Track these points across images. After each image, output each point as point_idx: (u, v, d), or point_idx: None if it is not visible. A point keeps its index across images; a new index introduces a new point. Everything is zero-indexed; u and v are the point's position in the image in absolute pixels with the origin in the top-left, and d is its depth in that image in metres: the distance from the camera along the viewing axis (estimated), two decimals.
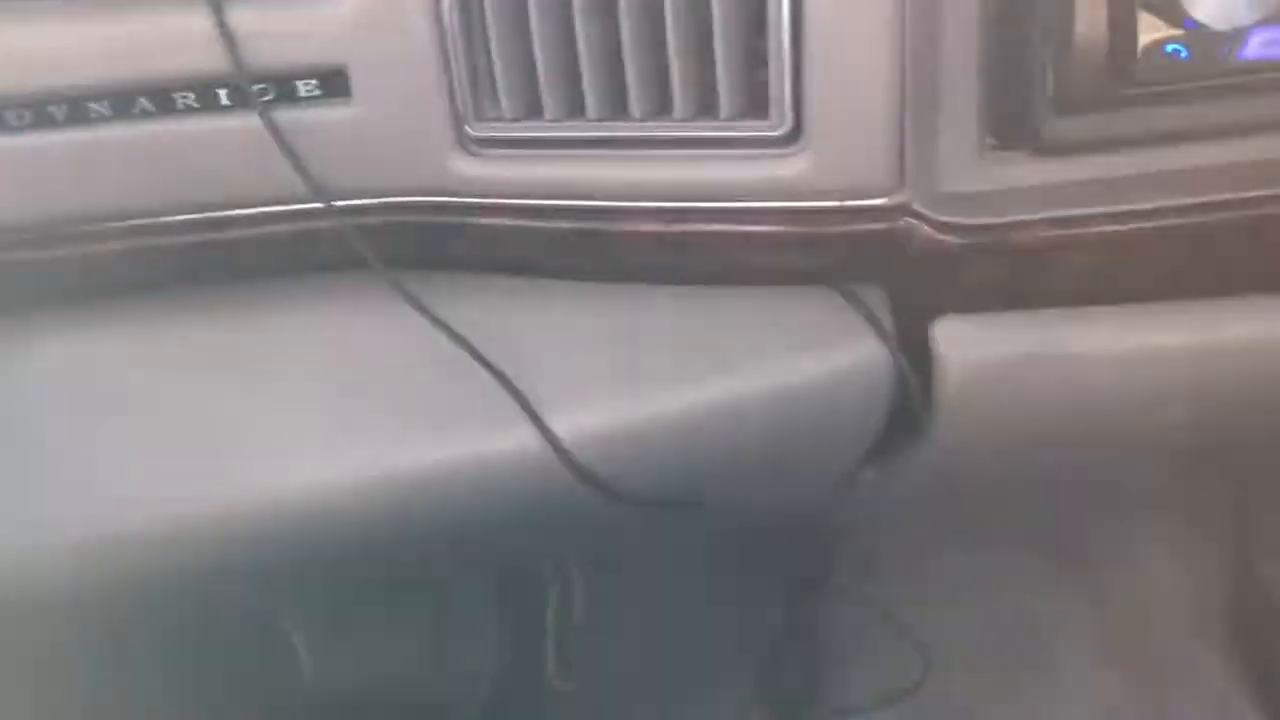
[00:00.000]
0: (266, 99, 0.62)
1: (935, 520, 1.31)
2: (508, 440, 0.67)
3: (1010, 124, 0.62)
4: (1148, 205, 0.62)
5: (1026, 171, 0.62)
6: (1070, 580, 1.45)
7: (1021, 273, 0.64)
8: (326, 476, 0.68)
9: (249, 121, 0.62)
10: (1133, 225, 0.62)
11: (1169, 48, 0.56)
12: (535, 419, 0.66)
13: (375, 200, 0.64)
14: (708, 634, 1.32)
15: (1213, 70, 0.56)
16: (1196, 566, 1.42)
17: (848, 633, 1.34)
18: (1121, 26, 0.57)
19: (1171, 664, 1.38)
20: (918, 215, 0.62)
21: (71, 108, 0.62)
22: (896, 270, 0.64)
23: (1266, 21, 0.55)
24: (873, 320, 0.65)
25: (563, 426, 0.67)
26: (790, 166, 0.60)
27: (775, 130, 0.60)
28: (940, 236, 0.62)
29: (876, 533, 1.33)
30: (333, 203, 0.63)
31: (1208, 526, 1.41)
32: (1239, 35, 0.56)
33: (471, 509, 0.70)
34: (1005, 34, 0.59)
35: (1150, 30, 0.56)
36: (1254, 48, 0.56)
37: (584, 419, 0.67)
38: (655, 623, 1.33)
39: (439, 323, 0.65)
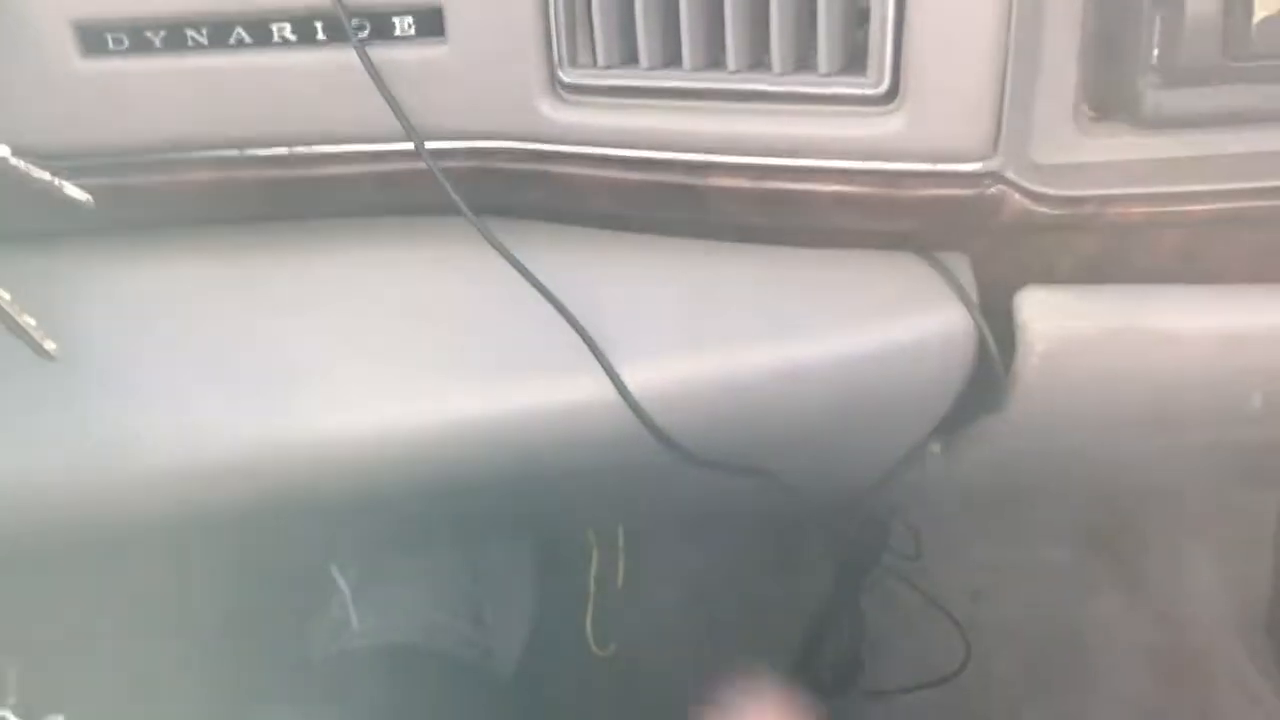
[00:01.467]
0: (363, 35, 0.62)
1: (989, 507, 1.31)
2: (579, 390, 0.67)
3: (1111, 94, 0.61)
4: (1251, 185, 0.61)
5: (1124, 145, 0.61)
6: (1114, 578, 1.44)
7: (1112, 249, 0.63)
8: (397, 418, 0.69)
9: (344, 57, 0.62)
10: (1233, 204, 0.61)
11: None
12: (610, 371, 0.66)
13: (465, 143, 0.64)
14: (751, 606, 1.32)
15: None
16: (1238, 570, 1.41)
17: (892, 614, 1.34)
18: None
19: (1211, 665, 1.37)
20: (1010, 183, 0.61)
21: (170, 33, 0.62)
22: (984, 238, 0.64)
23: None
24: (957, 287, 0.64)
25: (636, 380, 0.66)
26: (885, 126, 0.60)
27: (873, 88, 0.59)
28: (1031, 207, 0.61)
29: (930, 515, 1.33)
30: (423, 144, 0.63)
31: (1251, 530, 1.39)
32: None
33: (539, 457, 0.70)
34: (1111, 4, 0.58)
35: (1268, 3, 0.55)
36: None
37: (657, 374, 0.67)
38: (698, 592, 1.33)
39: (522, 269, 0.65)
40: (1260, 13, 0.56)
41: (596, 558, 1.35)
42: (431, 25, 0.63)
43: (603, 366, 0.65)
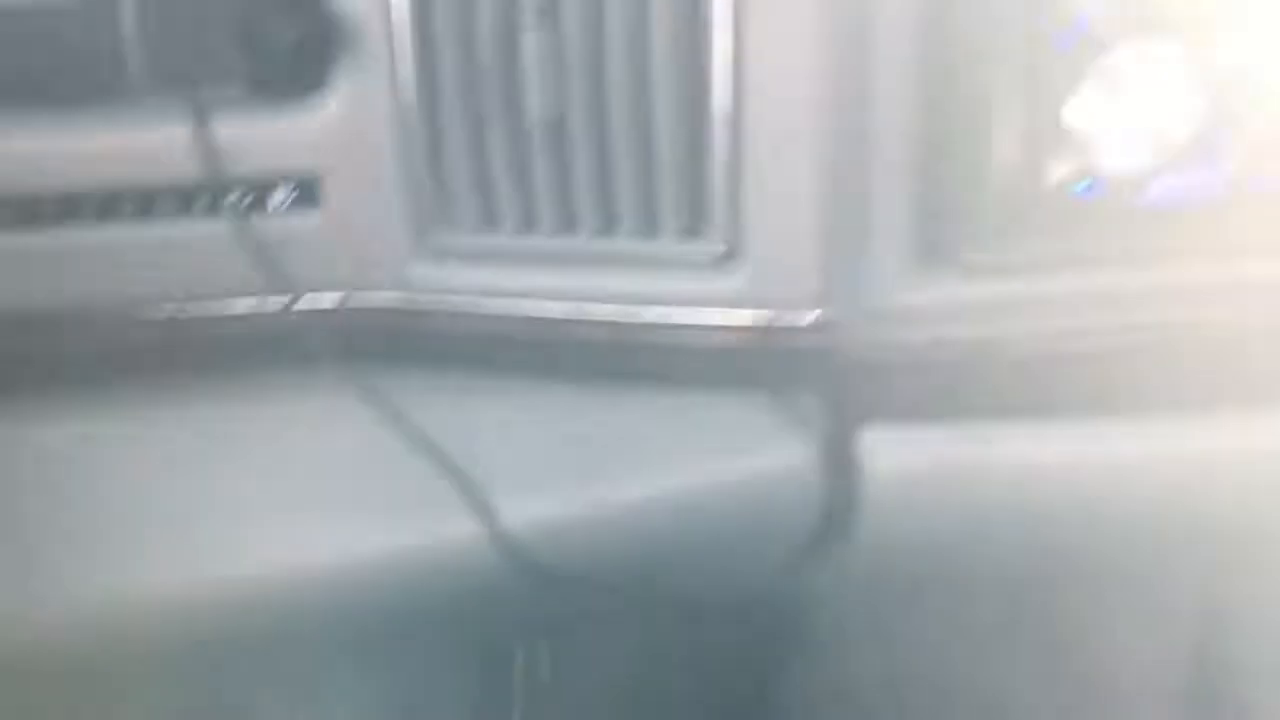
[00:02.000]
0: (243, 203, 0.67)
1: (895, 598, 1.34)
2: (460, 530, 0.70)
3: (935, 247, 0.66)
4: (1066, 324, 0.66)
5: (949, 290, 0.67)
6: (1031, 656, 1.47)
7: (944, 386, 0.68)
8: (288, 559, 0.72)
9: (224, 225, 0.67)
10: (1051, 343, 0.67)
11: (1078, 186, 0.60)
12: (484, 511, 0.69)
13: (340, 302, 0.69)
14: (677, 698, 1.34)
15: (1117, 210, 0.61)
16: (1159, 643, 1.43)
17: (808, 711, 1.35)
18: (1034, 167, 0.61)
19: None
20: (846, 329, 0.66)
21: (61, 207, 0.66)
22: (826, 379, 0.69)
23: (1168, 170, 0.60)
24: (803, 426, 0.69)
25: (513, 518, 0.70)
26: (727, 282, 0.65)
27: (713, 250, 0.65)
28: (865, 350, 0.66)
29: (842, 608, 1.35)
30: (299, 303, 0.67)
31: (1171, 605, 1.42)
32: (1142, 180, 0.60)
33: (426, 594, 0.73)
34: (930, 169, 0.64)
35: (1061, 170, 0.61)
36: (1156, 193, 0.61)
37: (534, 510, 0.71)
38: (625, 685, 1.34)
39: (397, 417, 0.69)
40: (1055, 177, 0.62)
41: (520, 659, 1.36)
42: (308, 193, 0.67)
43: (474, 504, 0.69)
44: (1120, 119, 0.60)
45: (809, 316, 0.66)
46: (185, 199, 0.67)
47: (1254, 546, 0.80)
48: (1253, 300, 0.65)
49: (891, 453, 0.68)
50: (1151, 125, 0.59)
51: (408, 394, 0.70)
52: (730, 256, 0.65)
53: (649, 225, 0.65)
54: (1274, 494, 0.69)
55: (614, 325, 0.67)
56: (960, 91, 0.62)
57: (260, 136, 0.67)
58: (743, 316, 0.66)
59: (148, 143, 0.66)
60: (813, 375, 0.69)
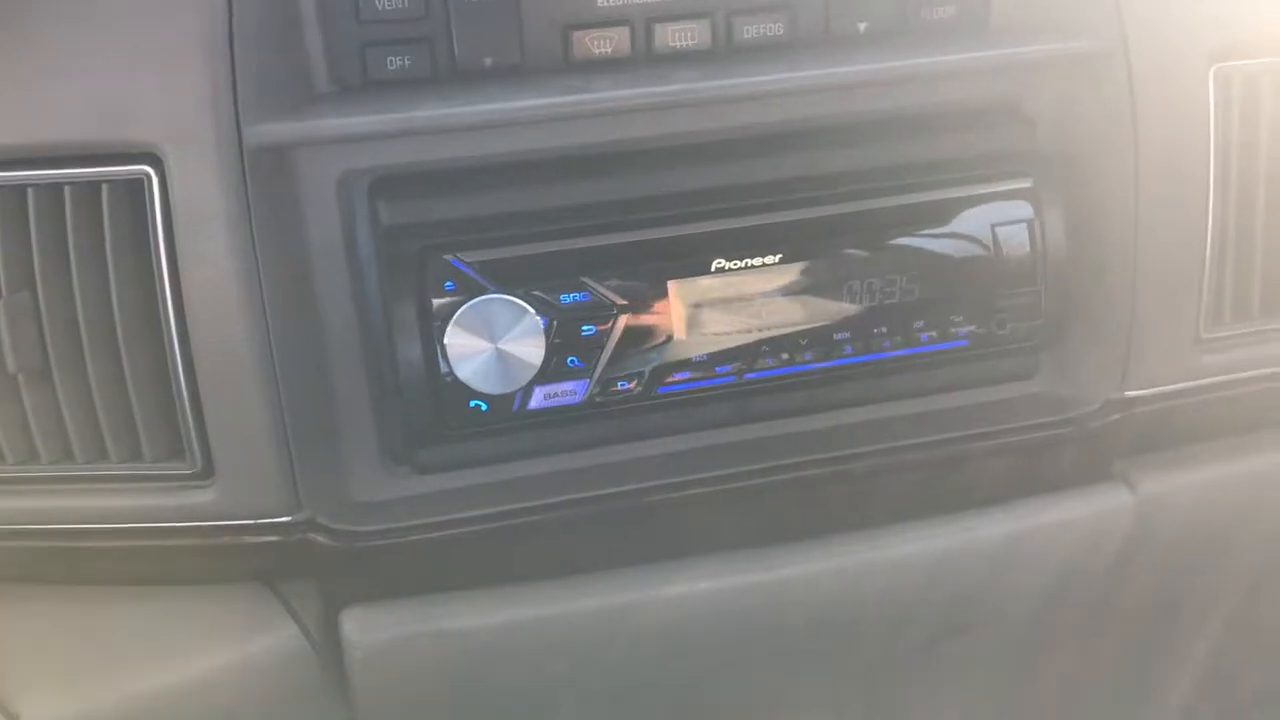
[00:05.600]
0: None
1: None
2: None
3: (396, 449, 0.79)
4: (511, 506, 0.79)
5: (410, 485, 0.79)
6: None
7: (417, 565, 0.80)
8: None
9: None
10: (501, 522, 0.79)
11: (472, 403, 0.74)
12: (6, 711, 0.77)
13: None
14: None
15: (507, 417, 0.74)
16: None
17: None
18: (435, 392, 0.74)
19: None
20: (320, 527, 0.77)
21: None
22: (315, 569, 0.79)
23: (540, 381, 0.74)
24: (292, 613, 0.80)
25: (39, 715, 0.78)
26: (205, 496, 0.75)
27: (189, 469, 0.75)
28: (340, 542, 0.77)
29: None
30: None
31: None
32: (525, 391, 0.74)
33: None
34: (377, 388, 0.77)
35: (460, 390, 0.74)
36: (538, 400, 0.75)
37: (59, 705, 0.78)
38: None
39: None
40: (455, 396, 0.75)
41: None
42: None
43: (3, 714, 0.77)
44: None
45: (284, 519, 0.77)
46: None
47: None
48: None
49: (366, 631, 0.79)
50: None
51: None
52: (206, 474, 0.75)
53: (132, 450, 0.75)
54: None
55: (110, 534, 0.77)
56: None
57: None
58: (222, 523, 0.76)
59: None
60: (300, 567, 0.80)
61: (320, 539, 0.77)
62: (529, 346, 0.72)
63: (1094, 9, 0.79)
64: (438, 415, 0.74)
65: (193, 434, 0.74)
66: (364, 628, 0.79)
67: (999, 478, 0.87)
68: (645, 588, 0.82)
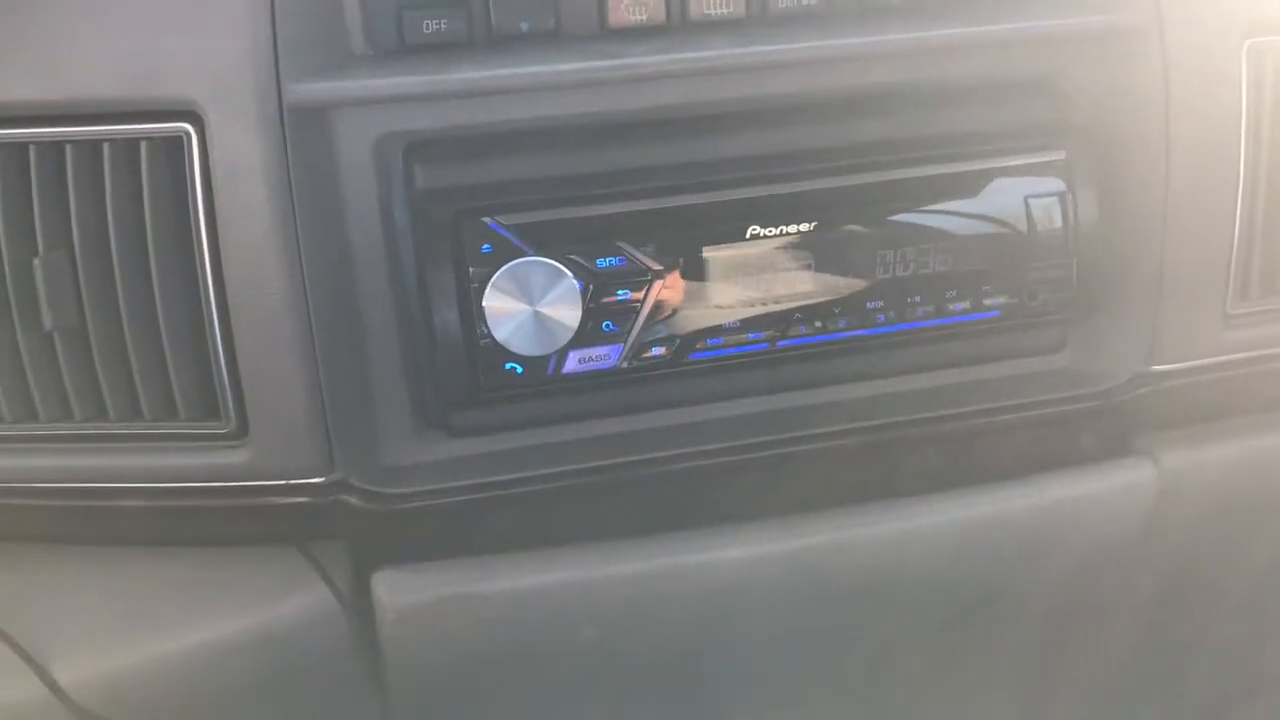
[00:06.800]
0: None
1: None
2: (19, 692, 0.77)
3: (430, 412, 0.79)
4: (542, 471, 0.79)
5: (446, 448, 0.80)
6: None
7: (449, 529, 0.80)
8: None
9: None
10: (533, 487, 0.80)
11: (508, 365, 0.74)
12: (39, 669, 0.77)
13: None
14: None
15: (542, 380, 0.74)
16: None
17: None
18: (471, 354, 0.74)
19: None
20: (353, 489, 0.78)
21: None
22: (349, 532, 0.80)
23: (576, 345, 0.74)
24: (324, 575, 0.80)
25: (70, 675, 0.78)
26: (239, 456, 0.76)
27: (224, 429, 0.75)
28: (375, 505, 0.78)
29: None
30: None
31: None
32: (560, 355, 0.74)
33: None
34: (411, 351, 0.77)
35: (497, 353, 0.74)
36: (572, 364, 0.75)
37: (90, 665, 0.79)
38: None
39: None
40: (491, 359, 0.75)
41: None
42: None
43: (29, 664, 0.77)
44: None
45: (317, 480, 0.77)
46: None
47: None
48: None
49: (398, 594, 0.79)
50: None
51: None
52: (240, 434, 0.75)
53: (167, 409, 0.75)
54: None
55: (149, 493, 0.77)
56: None
57: None
58: (255, 483, 0.76)
59: None
60: (333, 529, 0.80)
61: (353, 500, 0.77)
62: (566, 309, 0.72)
63: None
64: (473, 378, 0.74)
65: (228, 394, 0.74)
66: (395, 590, 0.79)
67: (1025, 451, 0.87)
68: (675, 554, 0.82)
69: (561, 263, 0.72)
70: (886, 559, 0.86)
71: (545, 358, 0.74)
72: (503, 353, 0.73)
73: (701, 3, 0.79)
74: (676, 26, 0.78)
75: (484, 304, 0.72)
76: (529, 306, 0.72)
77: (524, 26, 0.77)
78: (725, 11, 0.79)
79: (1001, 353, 0.85)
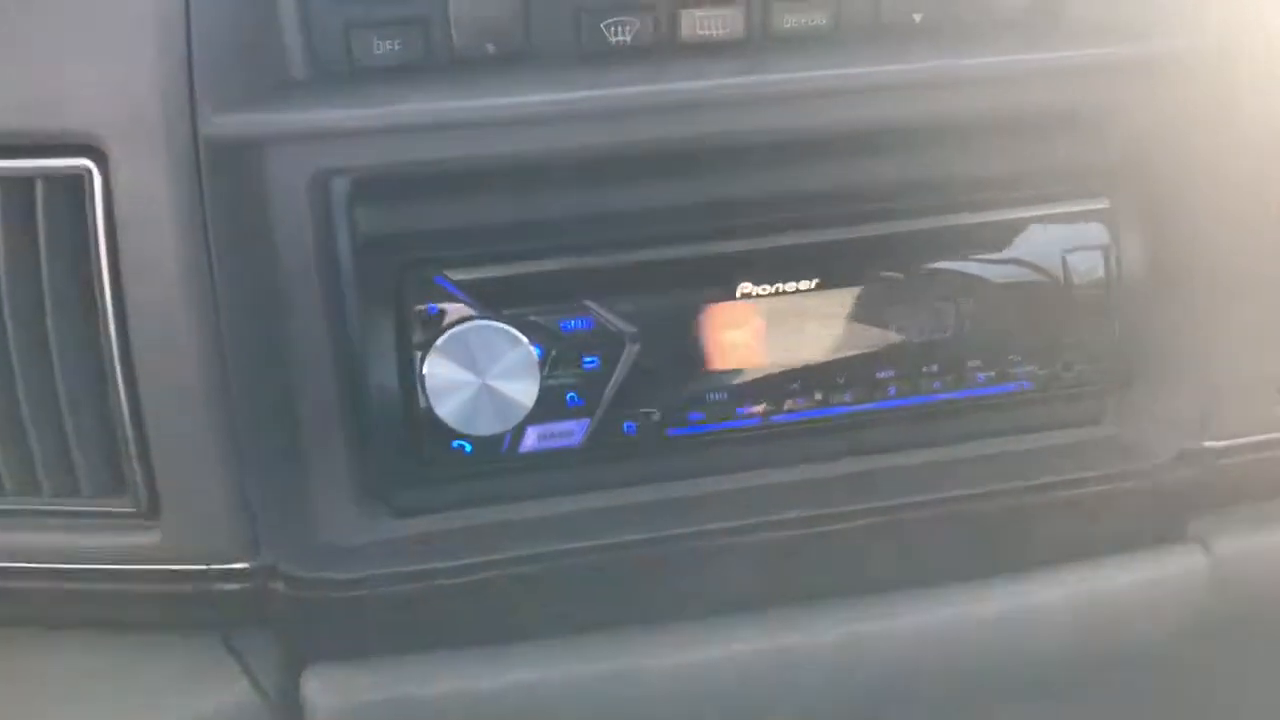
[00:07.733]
0: None
1: None
2: None
3: (370, 492, 0.69)
4: (500, 555, 0.70)
5: (390, 528, 0.71)
6: None
7: (385, 621, 0.70)
8: None
9: None
10: (489, 573, 0.70)
11: (455, 443, 0.64)
12: None
13: None
14: None
15: (494, 459, 0.65)
16: None
17: None
18: (411, 433, 0.65)
19: None
20: (280, 575, 0.68)
21: None
22: (274, 621, 0.70)
23: (534, 421, 0.64)
24: (246, 670, 0.70)
25: None
26: (149, 537, 0.67)
27: (132, 507, 0.66)
28: (301, 593, 0.68)
29: None
30: None
31: None
32: (517, 431, 0.64)
33: None
34: (351, 418, 0.67)
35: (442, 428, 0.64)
36: (531, 441, 0.65)
37: None
38: None
39: None
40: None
41: None
42: None
43: None
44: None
45: (241, 565, 0.67)
46: None
47: None
48: None
49: (332, 694, 0.69)
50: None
51: None
52: (152, 513, 0.66)
53: (68, 485, 0.66)
54: None
55: (51, 574, 0.68)
56: None
57: None
58: (169, 568, 0.67)
59: None
60: (264, 616, 0.70)
61: (282, 588, 0.68)
62: (520, 383, 0.63)
63: (1182, 5, 0.69)
64: (416, 455, 0.64)
65: (136, 468, 0.65)
66: (329, 690, 0.69)
67: (1058, 536, 0.77)
68: (652, 652, 0.72)
69: (516, 326, 0.63)
70: (900, 658, 0.76)
71: (499, 435, 0.64)
72: (448, 429, 0.63)
73: (695, 22, 0.69)
74: (665, 50, 0.68)
75: (424, 372, 0.62)
76: (477, 378, 0.62)
77: (490, 48, 0.67)
78: (721, 33, 0.69)
79: (1031, 424, 0.76)
